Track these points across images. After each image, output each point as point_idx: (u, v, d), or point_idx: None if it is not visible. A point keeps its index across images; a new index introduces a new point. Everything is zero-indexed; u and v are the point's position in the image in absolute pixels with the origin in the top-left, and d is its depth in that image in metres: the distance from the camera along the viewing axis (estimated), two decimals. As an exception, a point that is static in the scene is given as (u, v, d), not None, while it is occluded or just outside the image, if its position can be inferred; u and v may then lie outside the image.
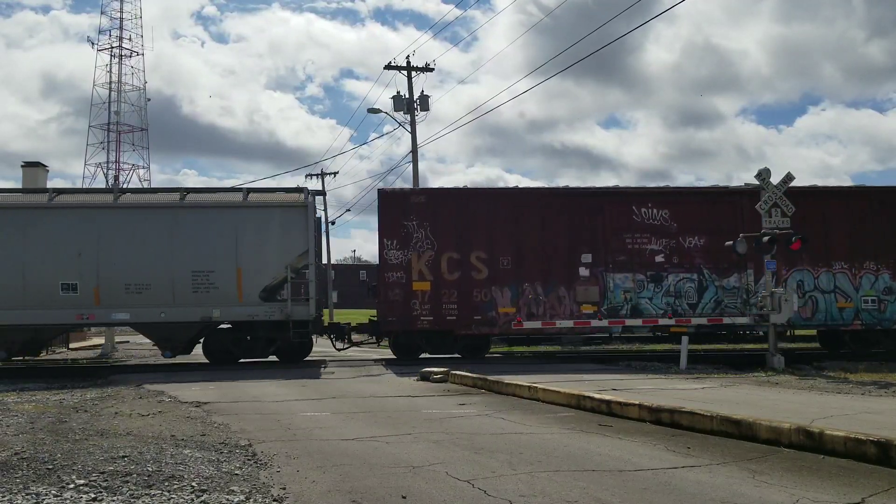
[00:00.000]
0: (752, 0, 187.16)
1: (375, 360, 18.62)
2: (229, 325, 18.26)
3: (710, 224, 18.26)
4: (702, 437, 7.27)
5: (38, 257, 17.21)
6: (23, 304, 17.05)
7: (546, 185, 24.45)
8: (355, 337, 20.15)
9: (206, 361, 18.52)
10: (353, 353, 21.18)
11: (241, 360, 18.25)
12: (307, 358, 18.96)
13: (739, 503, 4.87)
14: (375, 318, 18.70)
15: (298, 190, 19.01)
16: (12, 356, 18.17)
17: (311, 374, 15.54)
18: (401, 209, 18.00)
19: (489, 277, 17.87)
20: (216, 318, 17.51)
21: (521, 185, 19.18)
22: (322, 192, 18.60)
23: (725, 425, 7.32)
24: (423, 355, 18.56)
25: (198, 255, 17.44)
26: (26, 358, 21.80)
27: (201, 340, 18.69)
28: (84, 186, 57.86)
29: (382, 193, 18.43)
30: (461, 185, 20.67)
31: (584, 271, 18.06)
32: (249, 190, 18.78)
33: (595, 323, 18.15)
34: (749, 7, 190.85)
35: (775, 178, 15.36)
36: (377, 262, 19.08)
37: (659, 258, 18.00)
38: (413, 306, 17.73)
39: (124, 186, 18.83)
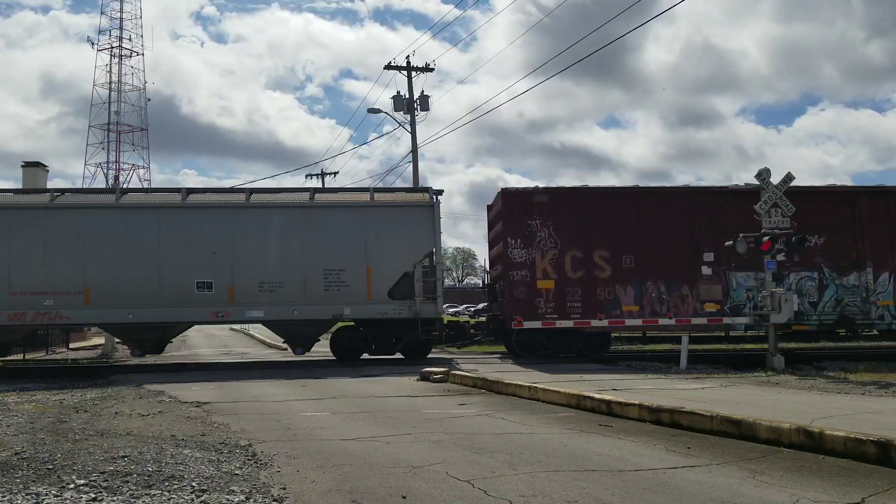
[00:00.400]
0: (751, 0, 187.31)
1: (502, 357, 18.83)
2: (351, 323, 18.57)
3: (828, 223, 18.35)
4: (702, 437, 7.27)
5: (174, 256, 17.51)
6: (159, 302, 17.33)
7: (667, 185, 24.35)
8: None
9: (206, 362, 18.55)
10: (454, 352, 21.34)
11: (364, 357, 18.53)
12: (430, 355, 19.17)
13: (739, 503, 4.87)
14: (491, 316, 18.77)
15: (423, 190, 19.31)
16: (144, 353, 18.47)
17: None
18: (524, 208, 18.14)
19: (612, 276, 18.02)
20: (347, 316, 17.83)
21: (640, 185, 19.23)
22: (439, 192, 18.96)
23: (725, 425, 7.32)
24: (519, 354, 18.64)
25: (329, 254, 17.79)
26: (26, 357, 21.81)
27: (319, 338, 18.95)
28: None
29: (506, 193, 18.56)
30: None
31: (706, 270, 18.16)
32: (375, 190, 19.06)
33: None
34: (748, 7, 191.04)
35: (775, 179, 15.37)
36: (487, 264, 19.57)
37: (779, 257, 18.11)
38: (538, 304, 17.86)
39: (247, 187, 19.02)
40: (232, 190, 19.08)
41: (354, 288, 17.76)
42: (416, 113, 32.75)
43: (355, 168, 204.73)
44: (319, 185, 49.35)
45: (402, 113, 32.73)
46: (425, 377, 13.47)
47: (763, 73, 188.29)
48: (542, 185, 20.15)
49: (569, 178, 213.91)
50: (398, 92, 32.72)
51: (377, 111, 34.34)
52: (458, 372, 13.19)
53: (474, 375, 12.55)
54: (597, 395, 9.36)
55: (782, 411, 8.15)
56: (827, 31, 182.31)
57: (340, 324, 18.61)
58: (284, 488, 5.28)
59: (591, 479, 5.50)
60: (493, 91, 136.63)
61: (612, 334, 19.54)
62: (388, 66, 33.05)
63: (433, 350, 19.58)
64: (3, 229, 17.28)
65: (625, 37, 32.76)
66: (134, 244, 17.43)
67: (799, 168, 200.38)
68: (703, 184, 21.83)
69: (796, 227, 15.63)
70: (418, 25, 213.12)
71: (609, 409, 8.91)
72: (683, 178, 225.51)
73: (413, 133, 32.50)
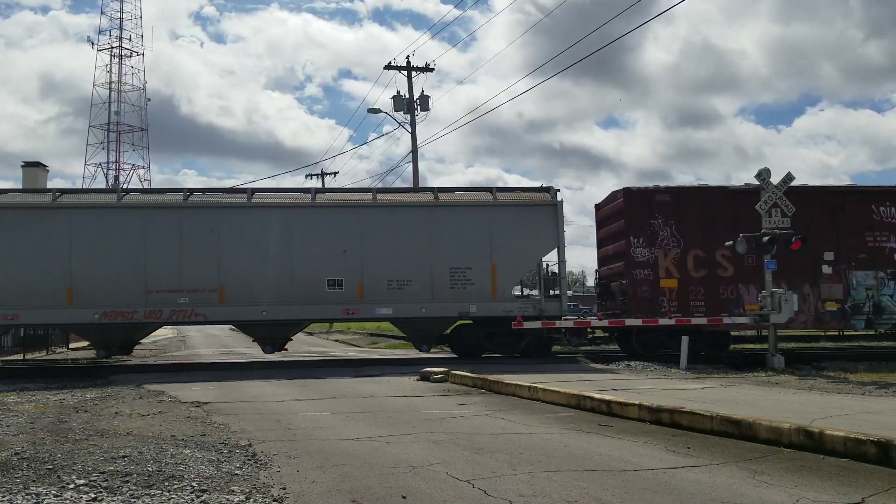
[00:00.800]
0: (750, 0, 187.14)
1: (622, 355, 18.76)
2: (470, 321, 18.75)
3: None
4: (702, 437, 7.27)
5: (305, 255, 17.75)
6: (291, 299, 17.55)
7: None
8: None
9: (206, 362, 18.55)
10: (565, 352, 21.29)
11: (485, 356, 18.65)
12: (551, 353, 19.20)
13: (739, 503, 4.87)
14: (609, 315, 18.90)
15: (545, 189, 19.43)
16: (274, 350, 18.72)
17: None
18: (646, 208, 18.26)
19: (735, 275, 18.08)
20: (473, 314, 17.98)
21: (748, 183, 19.22)
22: (558, 191, 19.51)
23: (725, 425, 7.32)
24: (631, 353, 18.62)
25: (454, 253, 18.00)
26: (26, 357, 21.81)
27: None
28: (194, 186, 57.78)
29: (628, 192, 18.67)
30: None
31: (826, 269, 18.25)
32: (497, 189, 19.22)
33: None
34: (747, 7, 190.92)
35: (775, 178, 15.38)
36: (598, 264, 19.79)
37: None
38: (661, 303, 17.95)
39: (373, 187, 19.39)
40: (359, 190, 19.48)
41: (480, 286, 18.04)
42: (416, 113, 32.78)
43: (355, 168, 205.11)
44: (320, 184, 49.36)
45: (402, 113, 32.76)
46: (425, 377, 13.47)
47: (762, 73, 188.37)
48: (545, 184, 20.13)
49: (568, 178, 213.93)
50: (398, 92, 32.77)
51: (377, 111, 34.38)
52: (458, 372, 13.19)
53: (474, 375, 12.55)
54: (597, 395, 9.36)
55: (782, 411, 8.15)
56: (826, 31, 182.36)
57: (459, 322, 18.85)
58: (284, 488, 5.28)
59: (591, 479, 5.50)
60: (493, 91, 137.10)
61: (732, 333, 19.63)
62: (388, 66, 33.08)
63: (553, 348, 19.69)
64: (139, 229, 17.52)
65: (624, 37, 32.80)
66: (266, 243, 17.74)
67: (798, 168, 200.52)
68: (821, 184, 21.70)
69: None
70: (417, 25, 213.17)
71: (609, 409, 8.91)
72: (683, 178, 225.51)
73: (413, 133, 32.51)
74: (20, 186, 26.77)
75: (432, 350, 19.03)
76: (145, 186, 65.24)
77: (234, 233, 17.70)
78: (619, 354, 19.28)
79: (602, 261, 20.17)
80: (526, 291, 19.25)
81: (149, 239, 17.43)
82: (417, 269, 17.90)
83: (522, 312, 17.88)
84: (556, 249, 18.44)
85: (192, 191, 18.54)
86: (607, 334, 20.74)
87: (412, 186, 23.30)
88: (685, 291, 17.86)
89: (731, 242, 15.46)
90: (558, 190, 19.12)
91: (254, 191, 18.77)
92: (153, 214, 17.73)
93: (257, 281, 17.47)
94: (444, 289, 17.89)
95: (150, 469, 5.80)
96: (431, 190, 19.13)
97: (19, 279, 16.99)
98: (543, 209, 18.56)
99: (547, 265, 18.59)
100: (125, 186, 62.10)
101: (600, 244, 20.25)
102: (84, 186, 58.53)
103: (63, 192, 18.26)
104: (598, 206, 20.54)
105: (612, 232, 19.29)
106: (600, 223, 20.25)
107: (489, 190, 19.22)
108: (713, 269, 18.01)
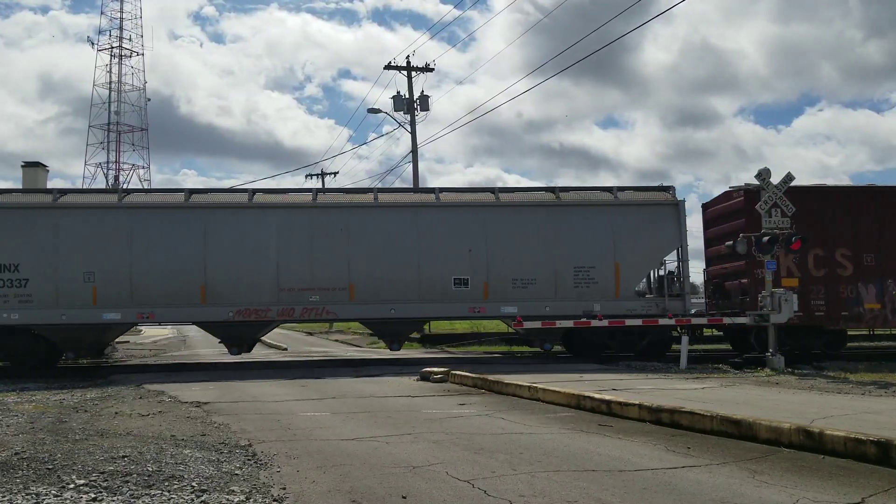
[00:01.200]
0: (749, 0, 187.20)
1: (622, 355, 18.80)
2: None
3: None
4: (702, 437, 7.28)
5: (432, 253, 17.93)
6: (418, 297, 17.76)
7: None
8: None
9: (206, 362, 18.56)
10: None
11: (605, 355, 18.59)
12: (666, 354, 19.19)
13: (739, 503, 4.87)
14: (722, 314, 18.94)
15: (664, 188, 19.53)
16: (399, 348, 18.97)
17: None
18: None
19: (854, 274, 18.09)
20: (596, 313, 17.98)
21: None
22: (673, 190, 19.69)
23: (725, 425, 7.32)
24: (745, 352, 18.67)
25: (578, 252, 18.12)
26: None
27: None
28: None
29: (749, 191, 18.57)
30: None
31: None
32: (618, 188, 19.32)
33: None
34: (746, 7, 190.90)
35: (775, 178, 15.37)
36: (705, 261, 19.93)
37: None
38: None
39: (495, 186, 19.48)
40: (481, 189, 19.62)
41: (603, 285, 18.15)
42: (416, 113, 32.79)
43: (354, 168, 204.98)
44: (320, 184, 49.36)
45: (402, 113, 32.76)
46: (425, 377, 13.47)
47: (761, 73, 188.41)
48: (542, 184, 20.21)
49: (568, 178, 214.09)
50: (398, 92, 32.77)
51: (377, 111, 34.40)
52: (458, 372, 13.20)
53: (474, 375, 12.55)
54: (597, 395, 9.36)
55: (782, 411, 8.15)
56: (825, 31, 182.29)
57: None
58: (284, 488, 5.28)
59: (591, 479, 5.50)
60: (492, 91, 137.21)
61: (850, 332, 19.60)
62: (388, 66, 33.09)
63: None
64: (271, 228, 17.75)
65: (624, 37, 32.77)
66: (394, 242, 17.94)
67: (798, 168, 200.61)
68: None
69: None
70: (416, 26, 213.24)
71: (609, 409, 8.91)
72: (682, 178, 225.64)
73: (413, 133, 32.52)
74: (20, 187, 26.77)
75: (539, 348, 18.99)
76: (146, 186, 65.25)
77: (363, 232, 17.97)
78: (619, 354, 19.29)
79: (712, 260, 20.16)
80: (651, 290, 19.24)
81: (281, 238, 17.73)
82: (541, 268, 18.06)
83: (645, 311, 18.09)
84: (677, 248, 18.61)
85: (319, 191, 18.89)
86: (721, 333, 20.82)
87: (537, 186, 23.37)
88: (806, 290, 17.84)
89: (730, 243, 15.44)
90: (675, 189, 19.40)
91: (379, 190, 19.08)
92: (284, 214, 18.03)
93: (385, 279, 17.72)
94: (568, 288, 18.05)
95: (150, 469, 5.80)
96: (552, 189, 19.26)
97: (155, 278, 17.26)
98: (665, 208, 18.75)
99: (670, 263, 18.73)
100: (125, 186, 62.10)
101: (709, 243, 20.27)
102: (84, 187, 58.55)
103: (194, 191, 18.61)
104: (705, 206, 20.59)
105: (726, 231, 19.20)
106: (709, 222, 20.27)
107: (609, 189, 19.37)
108: (833, 269, 18.08)
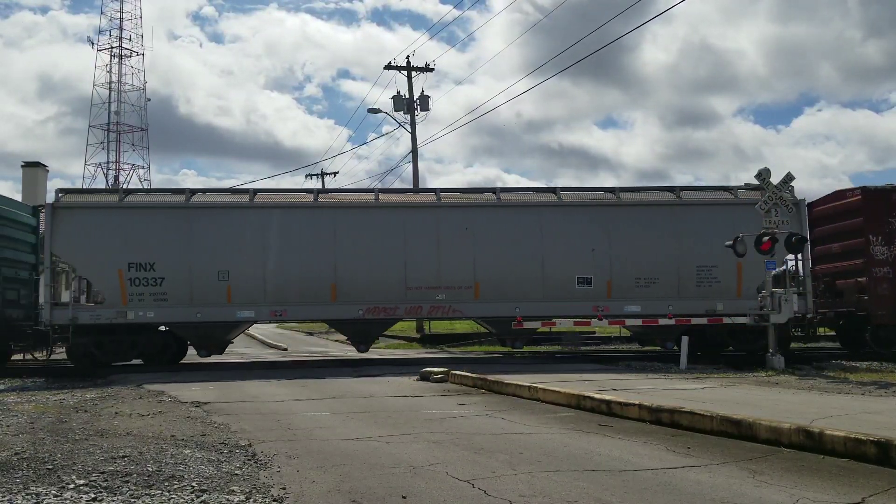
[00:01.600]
0: (748, 0, 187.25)
1: (623, 355, 19.09)
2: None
3: None
4: (702, 437, 7.27)
5: (555, 253, 18.08)
6: (542, 296, 17.91)
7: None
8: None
9: (206, 362, 18.56)
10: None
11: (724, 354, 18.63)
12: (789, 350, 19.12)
13: (739, 503, 4.87)
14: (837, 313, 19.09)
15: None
16: (522, 346, 19.03)
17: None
18: (884, 207, 18.35)
19: None
20: (720, 312, 18.08)
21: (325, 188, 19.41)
22: None
23: (725, 425, 7.32)
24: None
25: (701, 251, 18.17)
26: (26, 357, 21.78)
27: None
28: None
29: (866, 191, 18.76)
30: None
31: None
32: (738, 188, 19.41)
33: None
34: (745, 7, 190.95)
35: (775, 179, 15.37)
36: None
37: None
38: None
39: (616, 186, 19.64)
40: (601, 189, 19.72)
41: (725, 284, 18.22)
42: (417, 113, 32.79)
43: (354, 168, 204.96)
44: (319, 184, 49.37)
45: (401, 113, 32.75)
46: (425, 377, 13.47)
47: (760, 74, 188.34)
48: (541, 184, 20.27)
49: (568, 179, 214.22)
50: (398, 92, 32.76)
51: (377, 111, 34.43)
52: (458, 372, 13.20)
53: (474, 375, 12.55)
54: (597, 395, 9.36)
55: (782, 411, 8.15)
56: (824, 31, 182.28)
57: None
58: (284, 488, 5.29)
59: (591, 479, 5.51)
60: (491, 91, 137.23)
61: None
62: (388, 66, 33.09)
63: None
64: (399, 228, 17.99)
65: (623, 37, 32.76)
66: (518, 241, 18.08)
67: (798, 168, 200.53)
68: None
69: None
70: (416, 26, 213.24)
71: (609, 409, 8.91)
72: (682, 178, 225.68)
73: (413, 133, 32.51)
74: (21, 186, 26.78)
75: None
76: (146, 187, 65.25)
77: (486, 231, 18.12)
78: (621, 355, 19.31)
79: (819, 259, 20.15)
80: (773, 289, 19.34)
81: (408, 237, 17.93)
82: (663, 267, 18.16)
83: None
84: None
85: (443, 190, 19.07)
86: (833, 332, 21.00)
87: (654, 186, 23.38)
88: None
89: (730, 243, 15.44)
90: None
91: (501, 190, 19.19)
92: (411, 214, 18.25)
93: (509, 278, 17.85)
94: (691, 287, 18.13)
95: (150, 469, 5.80)
96: (672, 189, 19.38)
97: (288, 276, 17.53)
98: (787, 208, 18.76)
99: (791, 262, 18.70)
100: (125, 186, 62.10)
101: (815, 242, 20.25)
102: (84, 187, 58.57)
103: (321, 191, 18.90)
104: (811, 205, 20.61)
105: (837, 230, 19.34)
106: (816, 222, 20.30)
107: (728, 189, 19.47)
108: None
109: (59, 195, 17.79)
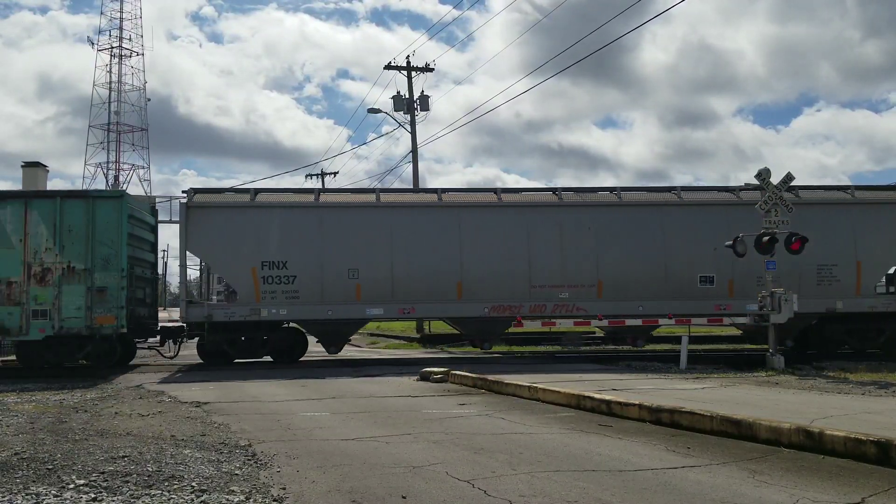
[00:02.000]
0: (747, 0, 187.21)
1: (622, 355, 19.03)
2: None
3: None
4: (702, 437, 7.27)
5: (677, 251, 18.31)
6: (664, 295, 18.09)
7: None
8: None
9: (203, 362, 18.56)
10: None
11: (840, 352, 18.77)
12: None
13: (739, 503, 4.87)
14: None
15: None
16: (644, 344, 19.29)
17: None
18: None
19: None
20: (839, 310, 18.20)
21: (563, 186, 19.52)
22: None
23: (725, 425, 7.32)
24: None
25: (820, 250, 18.11)
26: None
27: None
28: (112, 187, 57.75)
29: None
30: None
31: None
32: (855, 188, 19.58)
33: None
34: (744, 7, 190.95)
35: (775, 179, 15.36)
36: None
37: None
38: None
39: (735, 185, 19.99)
40: (722, 189, 19.87)
41: (844, 282, 18.36)
42: (417, 113, 32.74)
43: (353, 168, 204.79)
44: (319, 184, 49.34)
45: (401, 113, 32.72)
46: (425, 377, 13.46)
47: (760, 74, 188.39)
48: (540, 184, 20.35)
49: (567, 179, 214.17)
50: (398, 92, 32.70)
51: (377, 111, 34.38)
52: (458, 372, 13.19)
53: (474, 375, 12.54)
54: (597, 395, 9.36)
55: (782, 411, 8.15)
56: (823, 31, 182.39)
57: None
58: (284, 488, 5.28)
59: (591, 479, 5.50)
60: (491, 91, 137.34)
61: None
62: (389, 66, 33.05)
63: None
64: (522, 226, 18.20)
65: (622, 38, 32.75)
66: (640, 240, 18.26)
67: (797, 168, 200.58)
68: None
69: None
70: (414, 26, 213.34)
71: (609, 409, 8.91)
72: (681, 178, 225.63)
73: (413, 133, 32.48)
74: (20, 186, 26.74)
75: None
76: (145, 186, 65.27)
77: (609, 230, 18.30)
78: (621, 355, 19.28)
79: None
80: (891, 287, 19.44)
81: (532, 236, 18.14)
82: (784, 267, 17.84)
83: (886, 308, 18.37)
84: None
85: (564, 190, 19.22)
86: None
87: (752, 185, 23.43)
88: None
89: (730, 243, 15.44)
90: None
91: (622, 189, 19.31)
92: (534, 213, 18.45)
93: (631, 276, 18.00)
94: (811, 285, 18.17)
95: (150, 469, 5.80)
96: (791, 188, 19.27)
97: (414, 275, 17.83)
98: None
99: None
100: (125, 186, 62.07)
101: None
102: (84, 187, 58.57)
103: (445, 190, 19.11)
104: None
105: None
106: None
107: (845, 188, 19.65)
108: None
109: (192, 194, 18.13)
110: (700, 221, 18.54)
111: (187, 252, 17.83)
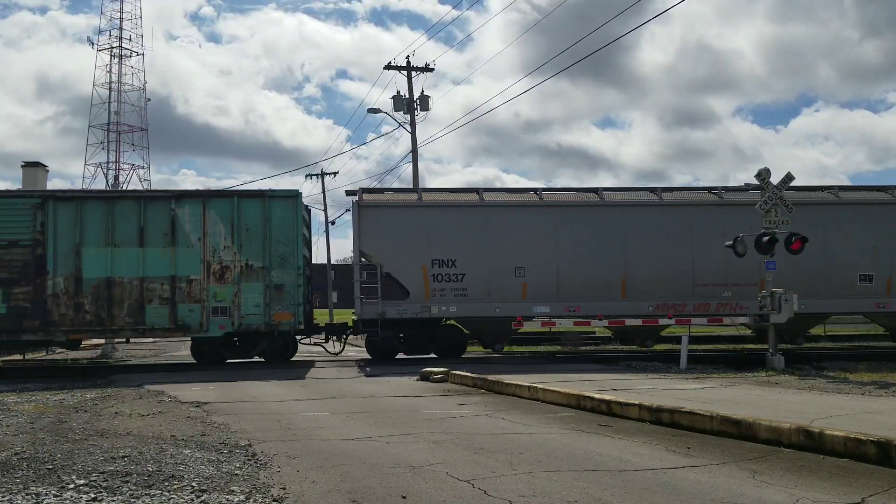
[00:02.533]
0: (746, 0, 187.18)
1: (623, 355, 19.14)
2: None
3: None
4: (702, 437, 7.27)
5: (838, 250, 18.55)
6: (823, 292, 18.27)
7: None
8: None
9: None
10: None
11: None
12: None
13: (739, 503, 4.87)
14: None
15: None
16: (803, 342, 19.42)
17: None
18: None
19: None
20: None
21: (545, 186, 19.67)
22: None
23: (725, 425, 7.32)
24: None
25: None
26: (26, 357, 21.80)
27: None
28: (107, 186, 57.80)
29: None
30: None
31: None
32: (887, 188, 19.86)
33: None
34: (743, 7, 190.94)
35: (774, 179, 15.36)
36: None
37: None
38: None
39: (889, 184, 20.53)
40: (879, 188, 20.05)
41: None
42: (416, 113, 32.71)
43: (353, 169, 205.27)
44: (319, 185, 49.25)
45: (401, 113, 32.70)
46: (425, 377, 13.47)
47: (759, 74, 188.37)
48: (539, 185, 20.42)
49: (566, 178, 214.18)
50: (398, 92, 32.65)
51: (377, 111, 34.33)
52: (458, 372, 13.19)
53: (474, 375, 12.54)
54: (597, 395, 9.36)
55: (782, 411, 8.15)
56: (822, 31, 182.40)
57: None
58: (284, 488, 5.28)
59: (591, 479, 5.50)
60: (490, 92, 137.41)
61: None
62: (388, 66, 33.02)
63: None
64: (685, 226, 18.42)
65: (621, 38, 32.75)
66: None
67: (797, 168, 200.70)
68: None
69: None
70: (413, 26, 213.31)
71: (609, 409, 8.91)
72: (681, 178, 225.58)
73: (413, 133, 32.46)
74: (20, 186, 26.76)
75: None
76: (145, 187, 65.24)
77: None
78: (621, 355, 19.28)
79: None
80: None
81: (695, 235, 18.32)
82: None
83: None
84: None
85: (726, 189, 19.37)
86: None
87: (881, 185, 23.70)
88: None
89: (730, 243, 15.43)
90: None
91: (757, 186, 19.39)
92: (696, 212, 18.64)
93: (794, 275, 17.80)
94: None
95: (150, 469, 5.80)
96: (886, 189, 19.68)
97: (579, 273, 18.14)
98: None
99: None
100: (125, 186, 62.06)
101: None
102: (84, 187, 58.56)
103: (605, 190, 19.31)
104: None
105: None
106: None
107: (891, 188, 19.82)
108: None
109: (362, 193, 18.38)
110: (860, 221, 18.89)
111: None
